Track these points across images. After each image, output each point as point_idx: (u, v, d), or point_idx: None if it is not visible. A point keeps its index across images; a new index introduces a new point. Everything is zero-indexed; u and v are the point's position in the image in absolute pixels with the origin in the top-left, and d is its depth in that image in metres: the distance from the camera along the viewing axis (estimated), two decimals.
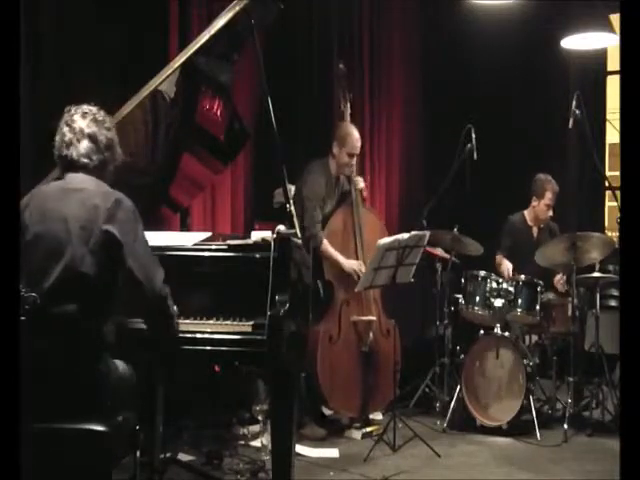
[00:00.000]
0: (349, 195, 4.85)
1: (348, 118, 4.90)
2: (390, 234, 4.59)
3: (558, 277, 5.42)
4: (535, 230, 5.72)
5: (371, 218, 5.00)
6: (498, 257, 5.58)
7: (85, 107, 2.67)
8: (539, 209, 5.60)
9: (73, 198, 2.53)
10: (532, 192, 5.60)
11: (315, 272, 4.54)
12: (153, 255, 2.66)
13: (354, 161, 4.82)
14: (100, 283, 2.49)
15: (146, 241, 2.64)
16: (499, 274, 5.28)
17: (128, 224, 2.54)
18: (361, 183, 4.92)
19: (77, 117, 2.62)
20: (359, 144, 4.82)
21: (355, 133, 4.81)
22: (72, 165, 2.61)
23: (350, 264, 4.69)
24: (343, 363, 4.68)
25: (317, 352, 4.57)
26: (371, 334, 4.77)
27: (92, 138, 2.62)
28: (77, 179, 2.60)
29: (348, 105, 4.93)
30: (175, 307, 2.81)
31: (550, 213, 5.59)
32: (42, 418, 2.37)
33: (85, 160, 2.61)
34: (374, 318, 4.82)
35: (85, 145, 2.61)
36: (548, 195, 5.54)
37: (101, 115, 2.68)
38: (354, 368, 4.72)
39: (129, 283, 2.56)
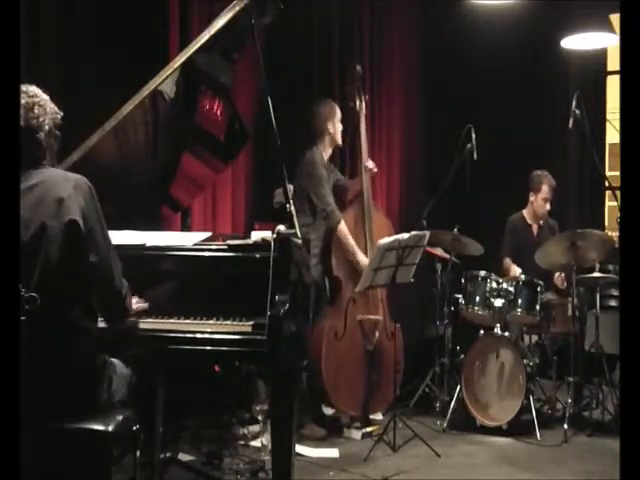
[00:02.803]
0: (360, 195, 4.88)
1: (363, 119, 4.98)
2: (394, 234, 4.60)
3: (557, 274, 5.43)
4: (535, 228, 5.74)
5: (381, 219, 5.05)
6: (507, 261, 5.58)
7: None
8: (537, 204, 5.63)
9: (32, 198, 2.41)
10: (529, 188, 5.63)
11: (324, 268, 4.59)
12: (111, 243, 2.55)
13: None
14: (76, 276, 2.45)
15: (105, 230, 2.53)
16: (505, 277, 5.27)
17: (89, 208, 2.44)
18: (369, 163, 4.96)
19: None
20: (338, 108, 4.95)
21: (332, 101, 4.98)
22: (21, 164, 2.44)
23: (363, 257, 4.71)
24: (347, 360, 4.69)
25: (322, 348, 4.58)
26: (377, 333, 4.78)
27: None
28: (29, 176, 2.45)
29: (363, 105, 4.99)
30: (143, 304, 2.79)
31: (548, 207, 5.62)
32: (41, 418, 2.36)
33: (27, 157, 2.44)
34: (380, 318, 4.83)
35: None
36: (545, 189, 5.57)
37: (21, 97, 2.44)
38: (358, 366, 4.73)
39: (88, 276, 2.48)
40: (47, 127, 2.50)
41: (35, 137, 2.48)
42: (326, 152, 4.88)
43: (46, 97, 2.53)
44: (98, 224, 2.48)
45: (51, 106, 2.53)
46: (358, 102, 4.99)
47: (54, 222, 2.39)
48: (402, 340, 4.86)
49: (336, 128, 4.87)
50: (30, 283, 2.33)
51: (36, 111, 2.47)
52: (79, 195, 2.44)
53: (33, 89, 2.50)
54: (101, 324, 2.68)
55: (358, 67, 5.06)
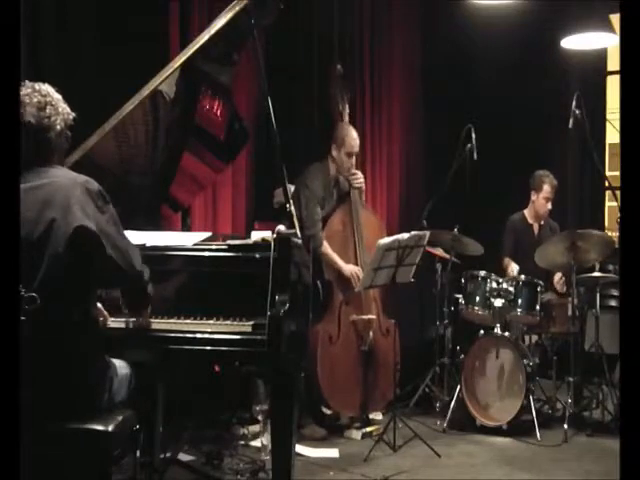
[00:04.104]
0: (348, 195, 4.85)
1: (347, 118, 4.91)
2: (390, 234, 4.59)
3: (557, 277, 5.45)
4: (536, 227, 5.76)
5: (370, 218, 5.00)
6: (506, 260, 5.59)
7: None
8: (538, 203, 5.64)
9: (41, 197, 2.41)
10: (531, 187, 5.65)
11: (315, 272, 4.55)
12: (127, 237, 2.58)
13: (353, 160, 4.83)
14: (82, 278, 2.45)
15: (118, 224, 2.54)
16: (504, 276, 5.27)
17: (100, 211, 2.46)
18: (360, 180, 4.90)
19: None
20: (357, 143, 4.83)
21: (353, 133, 4.83)
22: (25, 161, 2.44)
23: (350, 268, 4.70)
24: (343, 362, 4.68)
25: (317, 352, 4.57)
26: (371, 333, 4.77)
27: (25, 126, 2.43)
28: (38, 175, 2.46)
29: (347, 106, 4.95)
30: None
31: (549, 206, 5.63)
32: (42, 418, 2.37)
33: (36, 156, 2.47)
34: (374, 317, 4.82)
35: (25, 138, 2.42)
36: (546, 188, 5.58)
37: (34, 96, 2.45)
38: (354, 367, 4.72)
39: (108, 269, 2.49)
40: (58, 127, 2.51)
41: (46, 136, 2.49)
42: (333, 169, 4.82)
43: (59, 96, 2.54)
44: (110, 222, 2.49)
45: (63, 106, 2.54)
46: (341, 103, 4.91)
47: (61, 222, 2.38)
48: (398, 337, 4.83)
49: (339, 157, 4.76)
50: (34, 282, 2.34)
51: (48, 111, 2.48)
52: (87, 196, 2.45)
53: (46, 88, 2.51)
54: (112, 324, 2.70)
55: (339, 66, 4.96)
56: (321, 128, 5.46)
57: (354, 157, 4.83)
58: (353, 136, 4.81)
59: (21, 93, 2.46)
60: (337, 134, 4.82)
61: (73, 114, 2.57)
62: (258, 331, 2.85)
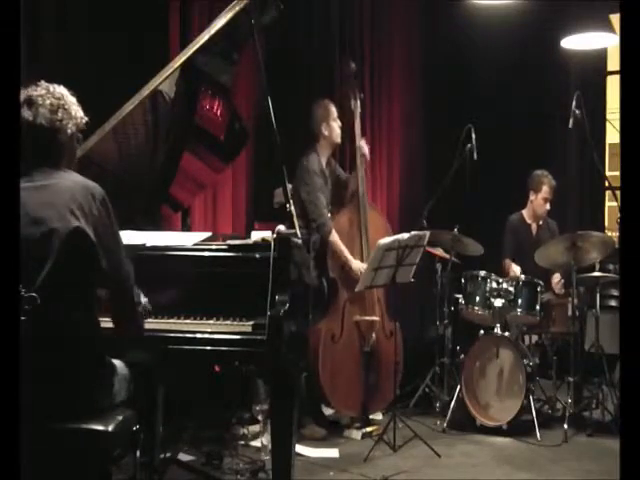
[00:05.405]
0: (355, 194, 4.86)
1: (358, 117, 4.94)
2: (391, 234, 4.60)
3: (556, 279, 5.44)
4: (534, 227, 5.76)
5: (376, 217, 5.03)
6: (507, 262, 5.58)
7: (25, 93, 2.45)
8: (537, 203, 5.64)
9: (45, 198, 2.40)
10: (529, 187, 5.65)
11: (320, 269, 4.58)
12: (123, 250, 2.54)
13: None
14: (82, 279, 2.45)
15: (117, 235, 2.52)
16: (505, 277, 5.26)
17: (99, 216, 2.44)
18: (364, 148, 4.94)
19: (22, 110, 2.43)
20: (333, 106, 4.86)
21: (326, 101, 4.87)
22: (33, 162, 2.46)
23: (357, 264, 4.70)
24: (345, 362, 4.68)
25: (319, 351, 4.58)
26: (373, 334, 4.78)
27: (36, 127, 2.44)
28: (45, 176, 2.45)
29: (358, 103, 4.96)
30: (148, 306, 2.74)
31: (547, 207, 5.63)
32: (42, 418, 2.36)
33: (45, 157, 2.48)
34: (377, 318, 4.83)
35: (35, 138, 2.43)
36: (545, 189, 5.58)
37: (47, 97, 2.46)
38: (356, 368, 4.72)
39: (99, 278, 2.48)
40: (69, 131, 2.51)
41: (56, 139, 2.48)
42: (325, 155, 4.85)
43: (72, 99, 2.53)
44: (110, 233, 2.48)
45: (76, 109, 2.54)
46: (353, 101, 4.93)
47: (61, 224, 2.37)
48: (401, 339, 4.84)
49: (331, 128, 4.80)
50: (36, 282, 2.33)
51: (60, 114, 2.47)
52: (90, 200, 2.44)
53: (60, 90, 2.51)
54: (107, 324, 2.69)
55: (352, 64, 5.00)
56: None
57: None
58: (328, 103, 4.85)
59: (34, 93, 2.46)
60: (319, 114, 4.81)
61: (86, 118, 2.57)
62: (258, 331, 2.85)
